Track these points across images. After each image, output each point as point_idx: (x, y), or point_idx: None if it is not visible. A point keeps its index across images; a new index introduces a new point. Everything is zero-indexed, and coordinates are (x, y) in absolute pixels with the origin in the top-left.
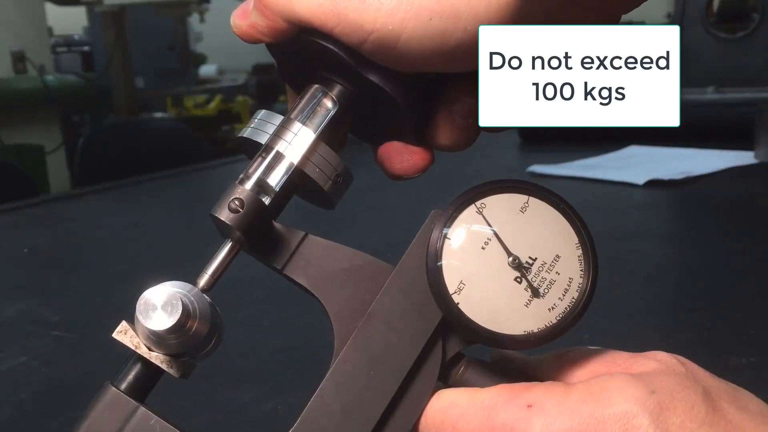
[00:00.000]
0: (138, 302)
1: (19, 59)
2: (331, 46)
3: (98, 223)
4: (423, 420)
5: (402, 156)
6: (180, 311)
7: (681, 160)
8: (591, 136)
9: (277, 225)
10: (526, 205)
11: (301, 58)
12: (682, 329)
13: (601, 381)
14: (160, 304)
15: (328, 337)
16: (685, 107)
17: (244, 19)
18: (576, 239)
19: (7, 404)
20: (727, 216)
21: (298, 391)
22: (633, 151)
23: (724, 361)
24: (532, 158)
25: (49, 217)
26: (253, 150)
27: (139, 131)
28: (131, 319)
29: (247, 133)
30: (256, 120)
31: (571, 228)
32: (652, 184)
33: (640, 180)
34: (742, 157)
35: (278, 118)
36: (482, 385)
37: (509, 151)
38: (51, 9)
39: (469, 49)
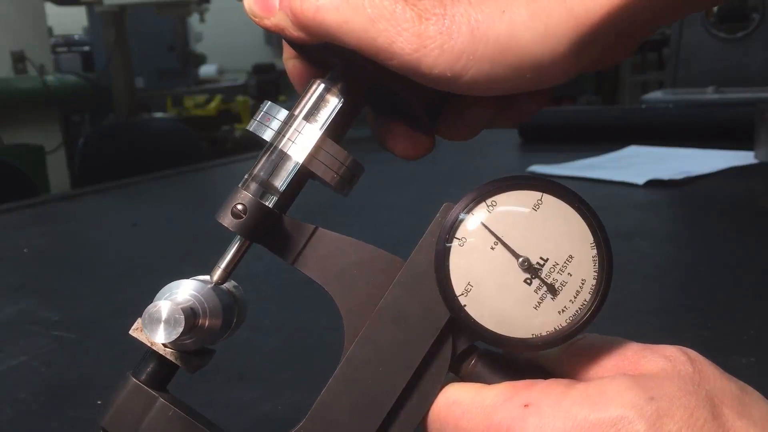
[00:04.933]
0: (143, 314)
1: (19, 59)
2: (360, 62)
3: (98, 223)
4: (430, 414)
5: (406, 141)
6: (182, 325)
7: (681, 160)
8: (591, 136)
9: (287, 218)
10: (539, 202)
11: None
12: (682, 329)
13: (600, 384)
14: (163, 319)
15: (329, 337)
16: (685, 107)
17: (266, 12)
18: (591, 239)
19: (7, 404)
20: (727, 216)
21: (298, 391)
22: (633, 151)
23: (724, 361)
24: (532, 158)
25: (49, 217)
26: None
27: (139, 131)
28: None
29: (252, 127)
30: (261, 113)
31: (586, 227)
32: (652, 184)
33: (640, 180)
34: (742, 157)
35: (283, 113)
36: (491, 380)
37: (509, 151)
38: (51, 9)
39: (518, 86)
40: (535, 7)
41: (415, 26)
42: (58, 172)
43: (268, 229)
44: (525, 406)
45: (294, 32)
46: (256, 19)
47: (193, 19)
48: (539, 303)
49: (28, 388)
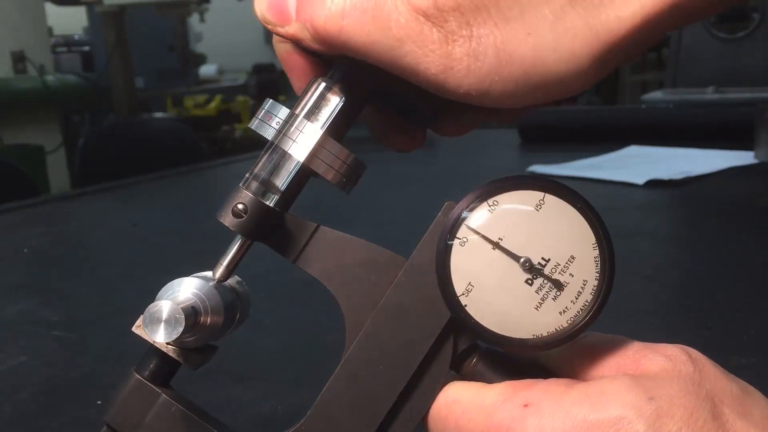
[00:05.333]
0: (144, 313)
1: (19, 59)
2: (365, 65)
3: (98, 223)
4: (431, 413)
5: (402, 136)
6: (183, 325)
7: (681, 160)
8: (591, 136)
9: (289, 216)
10: (541, 202)
11: None
12: (682, 329)
13: (600, 384)
14: (164, 319)
15: (329, 337)
16: (685, 107)
17: (281, 20)
18: (593, 239)
19: (7, 404)
20: (727, 216)
21: (298, 391)
22: (633, 151)
23: (724, 361)
24: (532, 158)
25: (49, 217)
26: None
27: (139, 131)
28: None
29: (254, 125)
30: (263, 111)
31: (588, 227)
32: (652, 184)
33: (640, 180)
34: (742, 157)
35: (284, 112)
36: (492, 378)
37: (509, 151)
38: (51, 9)
39: (540, 100)
40: (560, 29)
41: (442, 48)
42: (58, 172)
43: (270, 228)
44: (525, 406)
45: (312, 44)
46: (269, 26)
47: (193, 19)
48: (540, 303)
49: (28, 388)
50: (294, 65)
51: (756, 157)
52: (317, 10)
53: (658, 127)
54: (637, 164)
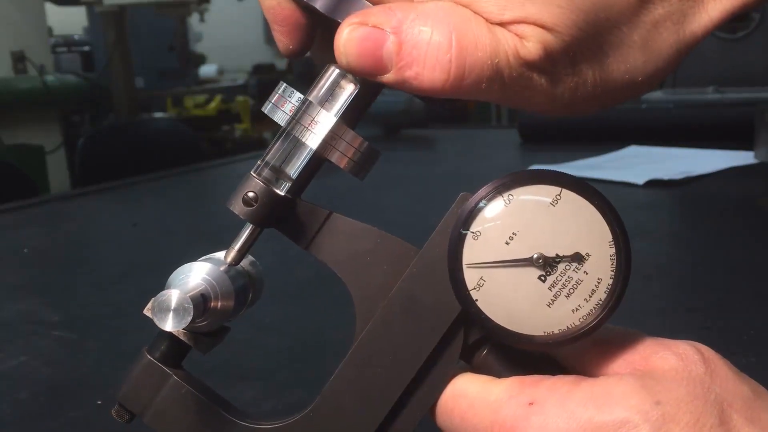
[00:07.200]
0: (153, 301)
1: (19, 59)
2: None
3: (98, 223)
4: (438, 404)
5: None
6: (191, 314)
7: (681, 160)
8: (591, 136)
9: (301, 202)
10: (558, 197)
11: None
12: (682, 329)
13: (606, 384)
14: (172, 308)
15: (330, 337)
16: (685, 107)
17: (375, 70)
18: (610, 236)
19: (7, 404)
20: (727, 216)
21: (298, 390)
22: (633, 151)
23: None
24: (532, 158)
25: (49, 217)
26: None
27: (139, 131)
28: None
29: (267, 109)
30: (276, 95)
31: (605, 224)
32: (652, 184)
33: (640, 180)
34: (742, 157)
35: (297, 97)
36: (501, 371)
37: (509, 151)
38: (51, 9)
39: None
40: (648, 52)
41: (548, 89)
42: (58, 172)
43: (281, 215)
44: (529, 404)
45: (413, 92)
46: (356, 73)
47: (193, 19)
48: (553, 301)
49: (28, 388)
50: (286, 21)
51: (756, 157)
52: (436, 73)
53: (658, 127)
54: (637, 164)
